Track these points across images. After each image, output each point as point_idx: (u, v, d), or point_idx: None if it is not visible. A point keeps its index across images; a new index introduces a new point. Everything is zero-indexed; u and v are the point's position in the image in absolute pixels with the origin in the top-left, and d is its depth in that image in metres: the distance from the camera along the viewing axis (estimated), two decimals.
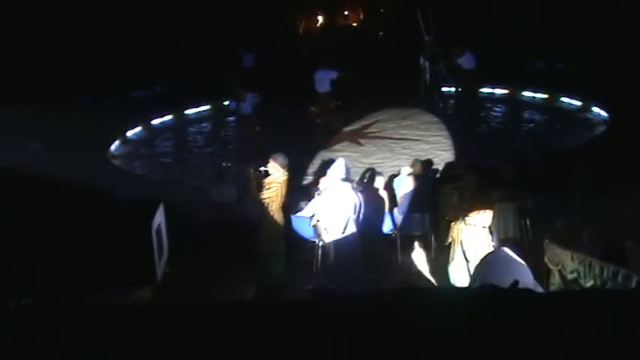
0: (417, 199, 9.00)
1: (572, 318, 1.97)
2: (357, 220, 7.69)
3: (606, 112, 13.52)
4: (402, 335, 1.94)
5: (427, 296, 2.60)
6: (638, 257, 5.96)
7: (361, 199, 7.87)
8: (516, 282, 4.23)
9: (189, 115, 16.14)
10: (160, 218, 2.85)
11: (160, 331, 2.18)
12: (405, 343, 1.90)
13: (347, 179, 7.90)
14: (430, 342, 1.87)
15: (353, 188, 7.95)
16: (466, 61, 14.77)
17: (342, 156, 10.35)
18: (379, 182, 9.17)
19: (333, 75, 14.21)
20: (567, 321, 1.94)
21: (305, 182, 11.14)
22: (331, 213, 7.67)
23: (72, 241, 2.73)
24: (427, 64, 15.30)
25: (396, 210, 9.12)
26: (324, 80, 14.20)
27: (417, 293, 2.64)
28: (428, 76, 15.34)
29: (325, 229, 7.82)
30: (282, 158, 7.56)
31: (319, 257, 8.20)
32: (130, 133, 14.65)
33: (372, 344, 1.89)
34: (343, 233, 7.60)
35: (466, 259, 7.26)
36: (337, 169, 8.01)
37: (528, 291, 4.03)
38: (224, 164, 9.20)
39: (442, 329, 1.93)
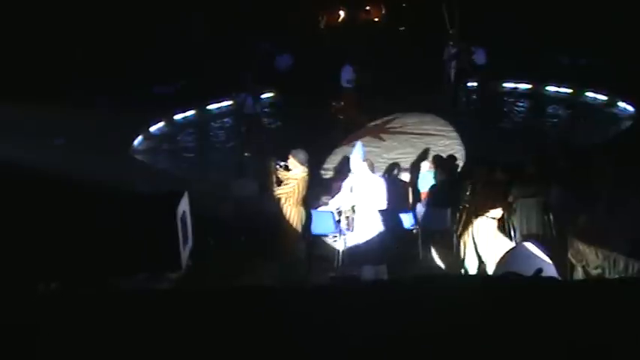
0: (438, 194, 8.97)
1: (595, 307, 1.95)
2: (381, 209, 7.62)
3: (633, 106, 13.32)
4: (422, 321, 1.94)
5: (449, 283, 2.59)
6: None
7: (384, 180, 7.84)
8: (540, 270, 4.16)
9: (211, 110, 16.22)
10: (184, 206, 2.85)
11: (178, 316, 2.21)
12: (426, 328, 1.89)
13: (366, 159, 7.81)
14: (451, 328, 1.86)
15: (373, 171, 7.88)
16: (477, 58, 14.76)
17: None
18: (404, 177, 9.16)
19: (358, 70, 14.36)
20: (590, 310, 1.93)
21: (326, 177, 11.14)
22: (355, 196, 7.61)
23: (97, 227, 2.75)
24: (451, 58, 15.23)
25: (419, 205, 9.11)
26: (349, 76, 14.34)
27: (438, 280, 2.63)
28: (452, 70, 15.25)
29: (347, 219, 7.80)
30: (302, 154, 7.49)
31: (341, 252, 8.21)
32: (153, 129, 14.77)
33: (392, 329, 1.89)
34: (368, 218, 7.52)
35: (477, 250, 7.29)
36: (356, 152, 7.95)
37: (552, 279, 3.99)
38: (245, 154, 9.14)
39: (463, 315, 1.93)
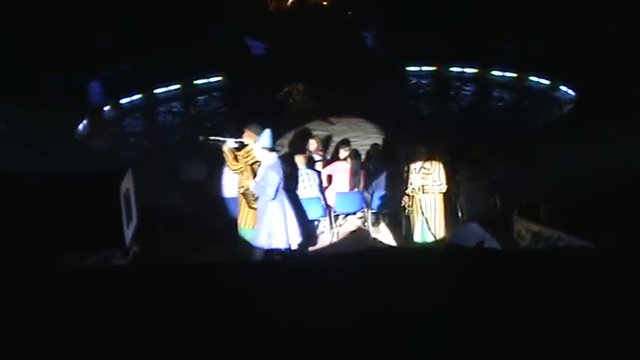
0: (387, 176, 9.06)
1: (534, 275, 2.03)
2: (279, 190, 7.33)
3: (573, 90, 13.72)
4: (368, 292, 1.98)
5: (394, 255, 2.64)
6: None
7: (281, 172, 7.56)
8: (482, 241, 4.29)
9: (158, 94, 15.93)
10: (128, 183, 2.79)
11: (129, 293, 2.19)
12: (371, 299, 1.93)
13: (272, 149, 7.53)
14: (396, 299, 1.91)
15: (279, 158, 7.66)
16: None
17: (314, 135, 10.36)
18: (352, 161, 9.26)
19: None
20: (530, 277, 2.00)
21: None
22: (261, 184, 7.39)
23: (39, 205, 2.67)
24: None
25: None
26: None
27: (383, 253, 2.67)
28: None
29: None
30: (256, 127, 7.40)
31: None
32: None
33: (340, 301, 1.92)
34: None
35: (428, 225, 7.44)
36: (263, 139, 7.55)
37: (492, 249, 4.11)
38: (201, 138, 8.88)
39: (409, 287, 1.98)
